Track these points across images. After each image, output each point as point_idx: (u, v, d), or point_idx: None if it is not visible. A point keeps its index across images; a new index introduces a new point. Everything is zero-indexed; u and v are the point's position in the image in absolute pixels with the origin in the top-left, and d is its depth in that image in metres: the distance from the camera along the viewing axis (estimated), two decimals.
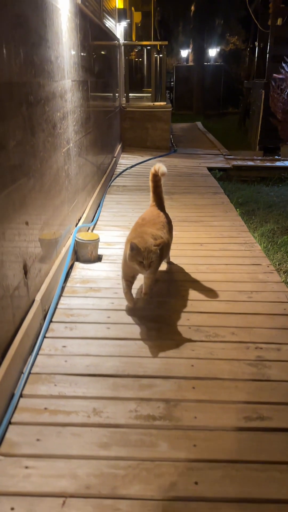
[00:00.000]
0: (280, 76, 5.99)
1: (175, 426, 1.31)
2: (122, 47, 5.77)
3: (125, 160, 5.46)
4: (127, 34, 6.85)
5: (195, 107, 14.71)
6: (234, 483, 1.13)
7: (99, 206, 3.53)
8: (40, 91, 1.84)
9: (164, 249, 2.01)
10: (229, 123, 12.04)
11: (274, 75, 6.11)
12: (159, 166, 2.18)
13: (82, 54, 2.84)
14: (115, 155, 5.10)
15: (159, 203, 2.28)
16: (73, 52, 2.53)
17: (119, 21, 5.58)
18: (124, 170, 4.92)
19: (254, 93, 7.71)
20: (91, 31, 3.21)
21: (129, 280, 1.95)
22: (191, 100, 14.83)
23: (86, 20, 2.99)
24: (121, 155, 5.72)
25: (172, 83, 15.63)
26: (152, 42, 6.61)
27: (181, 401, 1.41)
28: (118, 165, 5.18)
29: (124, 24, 5.87)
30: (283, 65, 5.94)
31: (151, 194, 2.31)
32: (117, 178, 4.61)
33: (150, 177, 2.25)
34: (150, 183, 2.28)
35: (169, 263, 2.47)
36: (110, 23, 4.81)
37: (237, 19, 14.49)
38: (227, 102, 15.33)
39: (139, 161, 5.31)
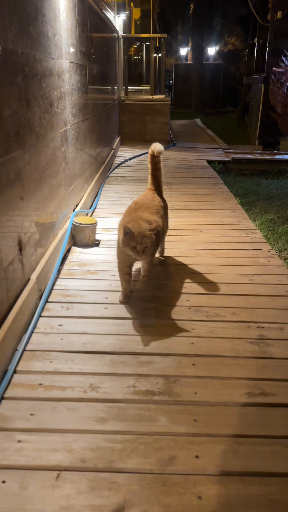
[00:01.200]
0: (280, 70, 5.96)
1: (174, 401, 1.26)
2: (121, 40, 5.73)
3: (124, 153, 5.41)
4: (126, 27, 6.81)
5: (194, 105, 14.69)
6: (237, 457, 1.08)
7: (97, 194, 3.48)
8: (36, 65, 1.79)
9: (160, 234, 1.92)
10: (228, 121, 12.02)
11: (274, 68, 6.08)
12: (155, 145, 2.11)
13: (80, 37, 2.80)
14: (113, 147, 5.06)
15: (157, 186, 2.20)
16: (71, 33, 2.49)
17: (118, 13, 5.54)
18: (122, 162, 4.87)
19: (254, 88, 7.67)
20: (89, 16, 3.17)
21: (126, 272, 1.83)
22: (190, 99, 14.81)
23: (84, 4, 2.95)
24: (120, 148, 5.68)
25: (171, 81, 15.61)
26: (151, 35, 6.57)
27: (181, 377, 1.36)
28: (116, 158, 5.14)
29: (123, 16, 5.83)
30: (283, 58, 5.91)
31: (149, 176, 2.23)
32: (116, 169, 4.56)
33: (149, 158, 2.19)
34: (149, 165, 2.21)
35: (162, 257, 2.31)
36: (109, 14, 4.77)
37: (236, 18, 14.48)
38: (226, 101, 15.31)
39: (138, 154, 5.27)
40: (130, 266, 1.84)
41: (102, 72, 4.09)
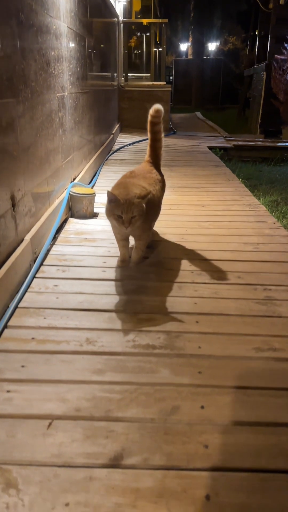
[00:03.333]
0: (282, 57, 5.87)
1: (177, 354, 1.17)
2: (122, 25, 5.64)
3: (123, 139, 5.32)
4: (127, 15, 6.72)
5: (194, 101, 14.60)
6: (245, 408, 0.99)
7: (96, 173, 3.40)
8: (32, 16, 1.70)
9: (155, 206, 1.73)
10: (228, 116, 11.93)
11: (276, 56, 5.99)
12: (154, 105, 1.89)
13: (79, 6, 2.71)
14: (112, 132, 4.97)
15: (155, 159, 1.97)
16: None
17: None
18: (122, 147, 4.79)
19: (256, 78, 7.59)
20: None
21: (123, 239, 1.69)
22: (190, 94, 14.71)
23: None
24: (119, 134, 5.59)
25: (171, 77, 15.51)
26: (152, 20, 6.48)
27: (184, 333, 1.27)
28: (116, 143, 5.05)
29: (123, 1, 5.74)
30: (285, 45, 5.82)
31: (148, 147, 2.02)
32: (115, 153, 4.48)
33: (148, 126, 1.99)
34: (148, 134, 2.03)
35: (150, 246, 1.93)
36: None
37: (237, 13, 14.36)
38: (226, 97, 15.20)
39: (138, 140, 5.18)
40: (126, 238, 1.70)
41: (101, 52, 4.00)
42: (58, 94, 2.17)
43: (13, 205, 1.53)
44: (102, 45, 4.01)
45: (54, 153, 2.11)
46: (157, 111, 1.91)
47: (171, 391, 1.03)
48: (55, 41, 2.10)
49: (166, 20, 5.81)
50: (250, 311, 1.41)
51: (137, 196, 1.45)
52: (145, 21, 6.07)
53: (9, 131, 1.47)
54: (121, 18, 5.68)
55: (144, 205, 1.48)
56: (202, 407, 0.98)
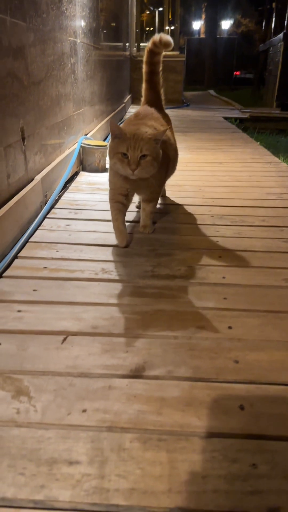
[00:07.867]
0: None
1: (199, 283, 1.08)
2: None
3: (135, 109, 5.18)
4: None
5: (206, 81, 14.27)
6: (278, 329, 0.90)
7: (107, 137, 3.29)
8: None
9: (171, 150, 1.42)
10: (242, 94, 11.64)
11: None
12: (160, 34, 1.47)
13: None
14: (124, 101, 4.83)
15: (156, 99, 1.54)
16: None
17: None
18: None
19: (272, 51, 7.32)
20: None
21: (119, 201, 1.29)
22: (203, 74, 14.37)
23: None
24: (131, 105, 5.45)
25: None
26: None
27: (206, 265, 1.18)
28: (127, 113, 4.91)
29: None
30: None
31: (144, 85, 1.55)
32: None
33: (145, 56, 1.51)
34: (144, 67, 1.52)
35: (164, 196, 1.80)
36: None
37: None
38: (240, 78, 14.84)
39: None
40: (127, 196, 1.30)
41: (114, 13, 3.85)
42: (70, 38, 2.06)
43: (23, 139, 1.44)
44: (114, 6, 3.86)
45: (65, 99, 2.01)
46: (166, 44, 1.46)
47: (195, 314, 0.94)
48: None
49: None
50: (277, 248, 1.31)
51: (149, 133, 1.14)
52: None
53: (19, 56, 1.37)
54: None
55: (155, 143, 1.14)
56: (230, 327, 0.90)
